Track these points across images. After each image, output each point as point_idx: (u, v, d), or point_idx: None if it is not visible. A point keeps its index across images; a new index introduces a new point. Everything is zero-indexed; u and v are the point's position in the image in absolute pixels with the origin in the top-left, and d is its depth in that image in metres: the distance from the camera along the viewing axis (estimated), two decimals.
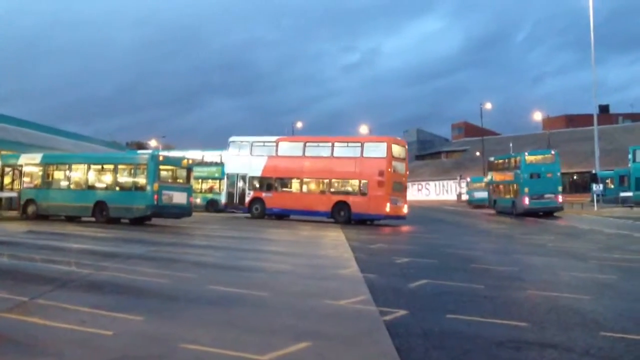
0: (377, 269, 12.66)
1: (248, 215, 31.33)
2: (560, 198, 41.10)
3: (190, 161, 28.15)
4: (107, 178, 26.84)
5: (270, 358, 5.90)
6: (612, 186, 56.33)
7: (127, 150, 69.61)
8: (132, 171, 26.22)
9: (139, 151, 49.31)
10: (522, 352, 6.34)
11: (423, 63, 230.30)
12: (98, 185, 26.79)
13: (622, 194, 51.30)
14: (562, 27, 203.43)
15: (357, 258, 14.54)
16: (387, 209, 27.84)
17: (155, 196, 24.66)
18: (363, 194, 28.46)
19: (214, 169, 42.70)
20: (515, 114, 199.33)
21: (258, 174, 31.24)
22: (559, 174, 42.73)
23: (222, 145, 46.83)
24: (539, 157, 44.01)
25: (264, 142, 32.40)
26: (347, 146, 30.22)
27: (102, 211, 25.66)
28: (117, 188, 26.11)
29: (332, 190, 29.47)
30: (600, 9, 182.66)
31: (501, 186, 46.18)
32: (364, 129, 67.85)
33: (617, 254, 17.03)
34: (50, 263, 12.81)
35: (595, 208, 48.03)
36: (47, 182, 27.99)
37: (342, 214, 28.73)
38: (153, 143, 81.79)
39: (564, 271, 13.42)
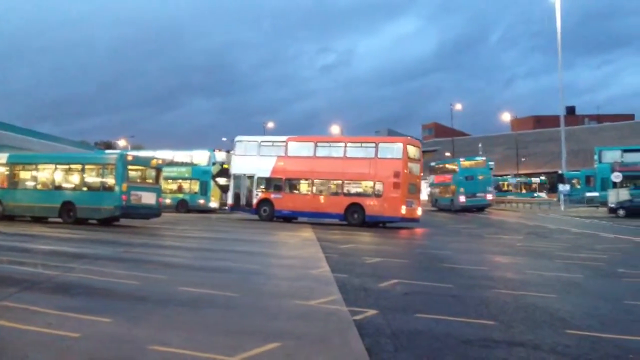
0: (348, 269, 12.69)
1: (256, 217, 30.50)
2: (489, 196, 49.02)
3: (160, 161, 27.78)
4: (75, 178, 26.46)
5: (239, 359, 5.87)
6: (579, 186, 57.35)
7: (95, 150, 68.78)
8: (100, 171, 25.90)
9: (107, 151, 48.76)
10: (491, 351, 6.40)
11: (398, 64, 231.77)
12: (65, 185, 26.41)
13: (589, 194, 52.37)
14: (535, 31, 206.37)
15: (328, 258, 14.55)
16: (403, 211, 27.23)
17: (124, 196, 24.38)
18: (378, 195, 27.65)
19: (184, 169, 42.46)
20: (486, 115, 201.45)
21: (266, 174, 30.35)
22: (489, 176, 50.44)
23: (195, 145, 46.53)
24: (473, 162, 51.32)
25: (272, 141, 31.79)
26: (361, 146, 29.49)
27: (69, 212, 25.30)
28: (85, 188, 25.77)
29: (345, 191, 28.67)
30: (571, 14, 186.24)
31: (441, 187, 52.38)
32: (335, 129, 68.06)
33: (584, 254, 17.32)
34: (16, 265, 12.58)
35: (562, 208, 48.85)
36: (13, 182, 27.54)
37: (355, 216, 27.88)
38: (122, 143, 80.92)
39: (531, 270, 13.61)
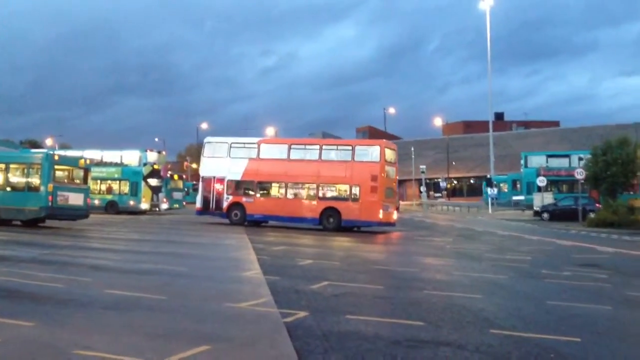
0: (280, 271, 12.68)
1: (226, 221, 29.28)
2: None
3: (88, 161, 27.09)
4: None
5: None
6: (506, 190, 59.11)
7: (20, 149, 66.49)
8: (25, 171, 25.04)
9: (33, 150, 47.17)
10: (418, 351, 6.52)
11: (337, 68, 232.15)
12: None
13: (515, 198, 54.02)
14: (470, 39, 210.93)
15: (260, 260, 14.52)
16: (380, 215, 26.73)
17: (50, 197, 23.67)
18: (354, 199, 27.09)
19: (113, 169, 41.56)
20: (420, 120, 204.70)
21: (238, 177, 29.22)
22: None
23: (128, 146, 45.50)
24: None
25: (244, 143, 30.43)
26: (337, 149, 28.93)
27: None
28: (9, 188, 24.86)
29: (320, 195, 27.91)
30: (505, 24, 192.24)
31: None
32: (270, 131, 68.01)
33: (509, 255, 17.86)
34: None
35: (490, 211, 50.20)
36: None
37: (331, 221, 27.24)
38: (49, 142, 78.54)
39: (459, 271, 13.92)
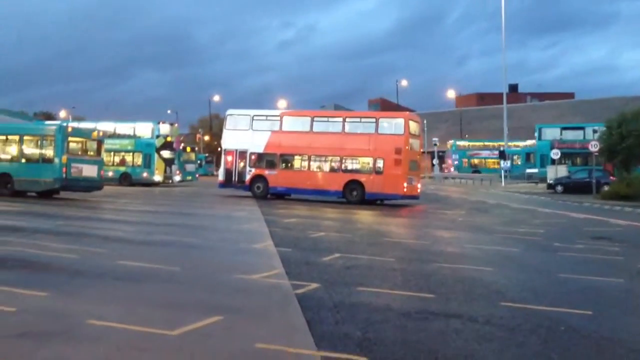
0: (292, 243, 12.73)
1: (249, 193, 29.25)
2: None
3: (101, 133, 27.18)
4: (12, 149, 25.65)
5: (179, 333, 5.82)
6: (519, 163, 58.72)
7: (34, 121, 66.72)
8: (39, 142, 25.21)
9: (47, 122, 47.37)
10: (428, 322, 6.54)
11: (356, 41, 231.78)
12: (2, 156, 25.58)
13: (528, 171, 53.64)
14: (491, 10, 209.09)
15: (272, 232, 14.57)
16: (404, 188, 26.56)
17: (64, 169, 23.85)
18: (378, 172, 26.88)
19: (127, 141, 41.73)
20: (435, 92, 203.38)
21: (260, 150, 29.07)
22: None
23: (142, 118, 45.50)
24: None
25: (266, 115, 30.45)
26: (360, 122, 28.91)
27: (6, 184, 24.58)
28: (23, 160, 25.05)
29: (343, 168, 27.81)
30: None
31: None
32: (282, 104, 67.78)
33: (522, 228, 17.79)
34: None
35: (503, 184, 49.94)
36: None
37: (354, 194, 27.15)
38: (62, 114, 78.79)
39: (471, 244, 13.91)
